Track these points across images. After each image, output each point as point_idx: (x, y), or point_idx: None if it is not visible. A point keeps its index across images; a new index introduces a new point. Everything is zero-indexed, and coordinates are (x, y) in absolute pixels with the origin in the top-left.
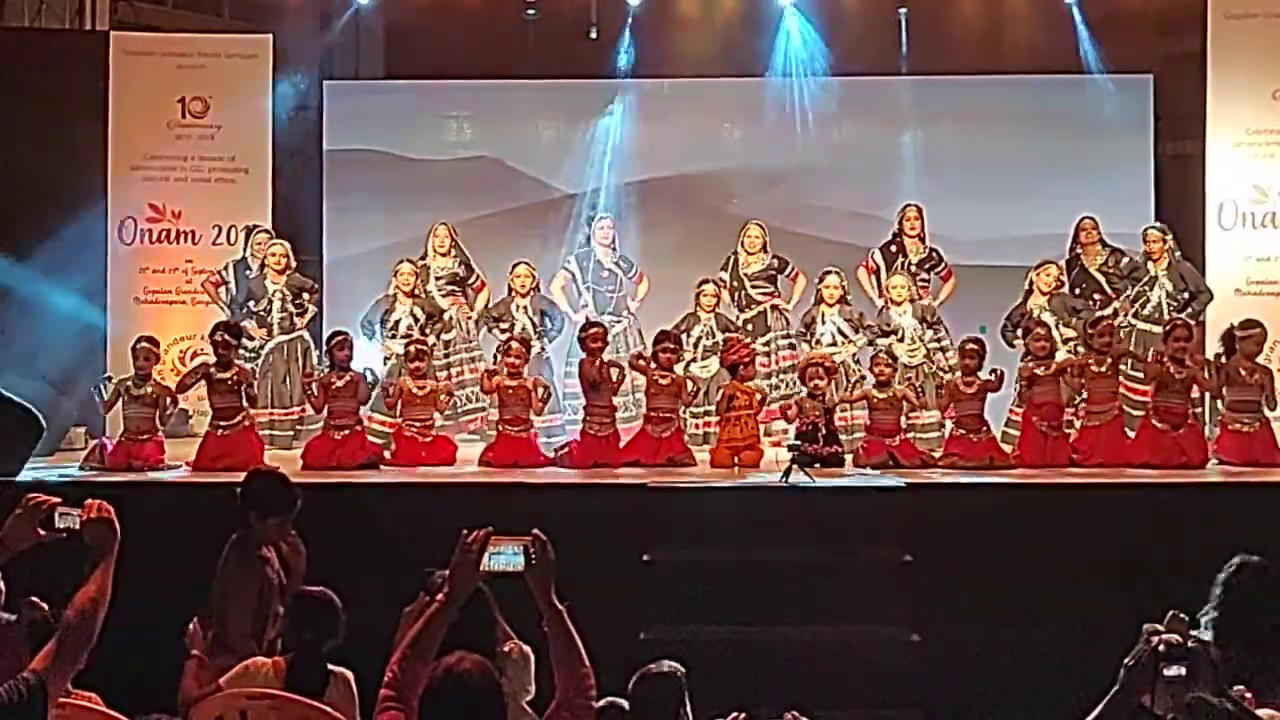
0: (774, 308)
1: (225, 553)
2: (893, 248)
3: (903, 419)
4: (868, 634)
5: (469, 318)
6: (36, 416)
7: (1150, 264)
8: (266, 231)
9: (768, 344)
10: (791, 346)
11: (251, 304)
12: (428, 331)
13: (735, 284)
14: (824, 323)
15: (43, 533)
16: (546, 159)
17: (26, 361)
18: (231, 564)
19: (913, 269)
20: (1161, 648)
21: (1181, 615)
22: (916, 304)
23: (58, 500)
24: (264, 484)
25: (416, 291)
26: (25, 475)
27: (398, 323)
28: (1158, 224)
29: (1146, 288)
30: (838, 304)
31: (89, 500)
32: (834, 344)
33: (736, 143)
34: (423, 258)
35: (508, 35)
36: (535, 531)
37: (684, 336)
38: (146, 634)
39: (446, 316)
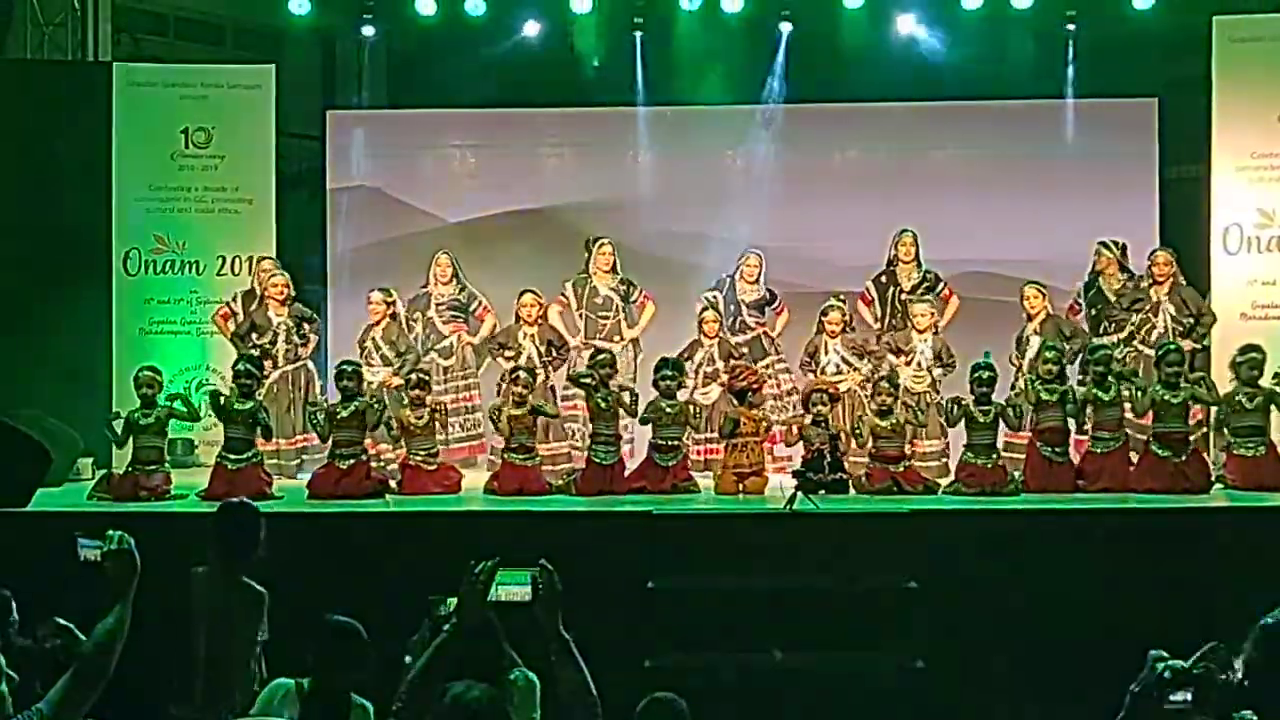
0: (765, 334)
1: (212, 589)
2: (883, 278)
3: (906, 445)
4: (872, 661)
5: (468, 344)
6: (44, 447)
7: (1153, 289)
8: (270, 259)
9: (767, 368)
10: (787, 371)
11: (255, 335)
12: (404, 364)
13: (731, 308)
14: (827, 352)
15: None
16: (549, 185)
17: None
18: (223, 596)
19: (904, 297)
20: (1167, 674)
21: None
22: (935, 336)
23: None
24: (242, 515)
25: (394, 319)
26: (33, 506)
27: (370, 353)
28: (1166, 247)
29: (1151, 314)
30: (839, 335)
31: (109, 532)
32: (839, 373)
33: (737, 169)
34: (424, 286)
35: (512, 64)
36: (541, 562)
37: (686, 363)
38: (155, 664)
39: (446, 344)
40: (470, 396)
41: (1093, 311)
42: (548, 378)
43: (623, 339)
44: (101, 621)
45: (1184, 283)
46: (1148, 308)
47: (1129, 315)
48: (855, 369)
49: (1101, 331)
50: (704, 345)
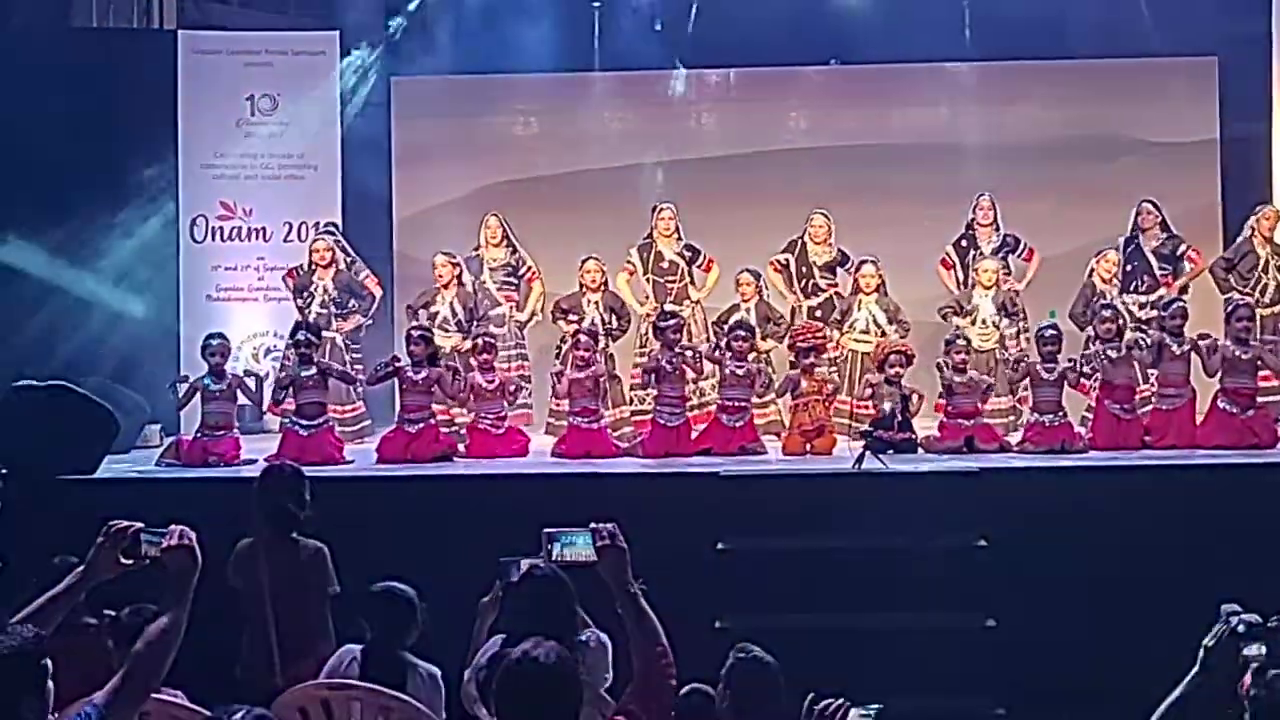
0: (838, 294)
1: (271, 557)
2: (963, 241)
3: (979, 402)
4: (942, 620)
5: (514, 320)
6: (113, 414)
7: (1258, 246)
8: (333, 227)
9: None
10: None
11: (300, 298)
12: (475, 324)
13: (803, 269)
14: (860, 310)
15: (128, 561)
16: (614, 151)
17: (98, 360)
18: (283, 562)
19: (985, 258)
20: (1241, 627)
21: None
22: (999, 290)
23: (140, 526)
24: (286, 477)
25: (461, 283)
26: (101, 472)
27: (436, 314)
28: (1271, 204)
29: (1262, 272)
30: (874, 293)
31: (171, 526)
32: (866, 331)
33: (802, 132)
34: (476, 249)
35: (574, 28)
36: (595, 525)
37: (722, 326)
38: (224, 629)
39: (498, 312)
40: (520, 367)
41: (1128, 268)
42: (608, 344)
43: (690, 301)
44: (155, 622)
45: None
46: (1258, 265)
47: (1177, 269)
48: (884, 332)
49: (1133, 289)
50: (740, 308)
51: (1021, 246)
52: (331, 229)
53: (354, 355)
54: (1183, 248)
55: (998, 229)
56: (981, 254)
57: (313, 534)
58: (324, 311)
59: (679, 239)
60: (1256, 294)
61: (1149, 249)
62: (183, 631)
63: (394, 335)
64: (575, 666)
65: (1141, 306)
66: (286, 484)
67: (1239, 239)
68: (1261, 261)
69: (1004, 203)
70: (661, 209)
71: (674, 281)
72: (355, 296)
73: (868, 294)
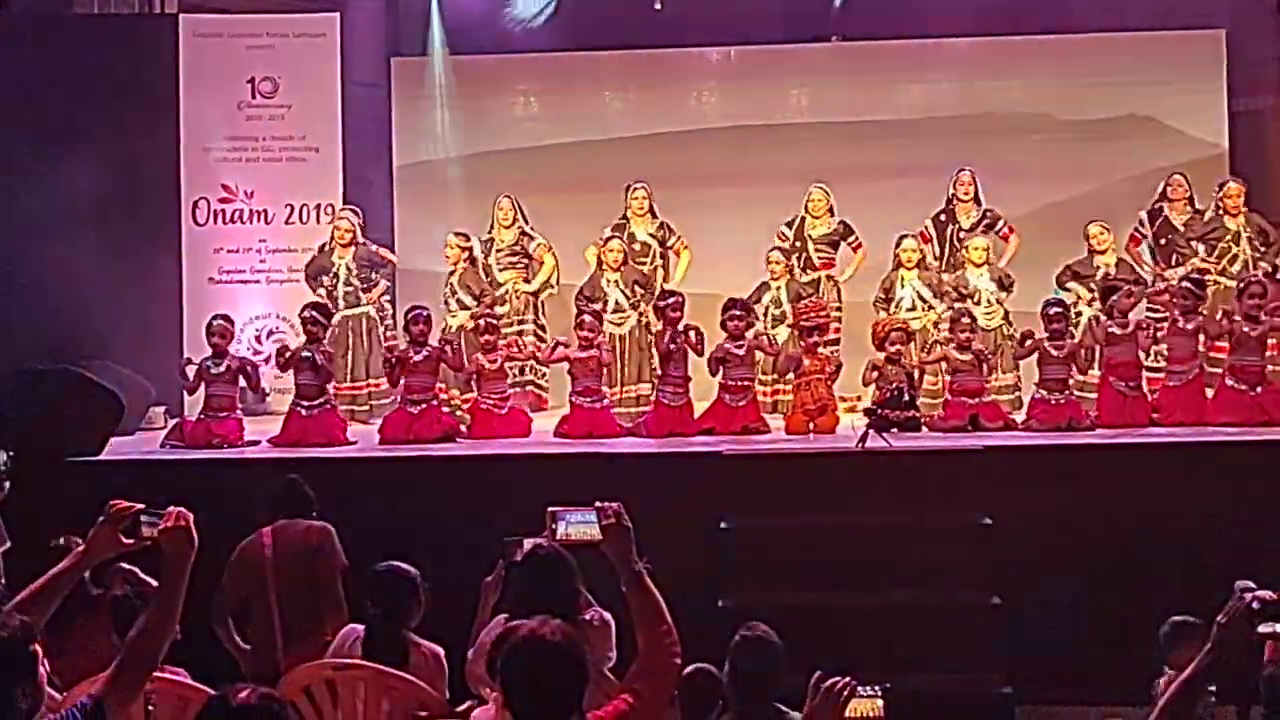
0: (828, 277)
1: (275, 551)
2: (942, 216)
3: (984, 379)
4: (947, 598)
5: (518, 291)
6: (118, 396)
7: (1228, 219)
8: (350, 207)
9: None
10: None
11: (323, 278)
12: (478, 303)
13: (798, 244)
14: (903, 287)
15: (128, 541)
16: (615, 130)
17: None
18: (288, 550)
19: (963, 235)
20: (1255, 604)
21: None
22: (993, 266)
23: (141, 507)
24: (293, 483)
25: (473, 262)
26: (106, 454)
27: (449, 298)
28: (1236, 177)
29: (1232, 243)
30: (916, 268)
31: (170, 508)
32: (913, 308)
33: (805, 108)
34: (491, 231)
35: (573, 7)
36: (601, 503)
37: (755, 305)
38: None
39: (501, 291)
40: (523, 344)
41: (1161, 242)
42: (640, 316)
43: (658, 286)
44: (147, 612)
45: (1249, 210)
46: (1227, 237)
47: (1193, 248)
48: (931, 306)
49: (1174, 263)
50: (770, 287)
51: (1000, 224)
52: (354, 209)
53: (387, 326)
54: (1217, 214)
55: (978, 203)
56: (962, 229)
57: (316, 514)
58: (349, 289)
59: (653, 218)
60: (1224, 264)
61: (1179, 223)
62: (178, 614)
63: (398, 315)
64: (581, 645)
65: (1182, 279)
66: (300, 496)
67: (1208, 215)
68: (1232, 234)
69: (1000, 180)
70: (635, 189)
71: (645, 262)
72: (376, 267)
73: (909, 269)
